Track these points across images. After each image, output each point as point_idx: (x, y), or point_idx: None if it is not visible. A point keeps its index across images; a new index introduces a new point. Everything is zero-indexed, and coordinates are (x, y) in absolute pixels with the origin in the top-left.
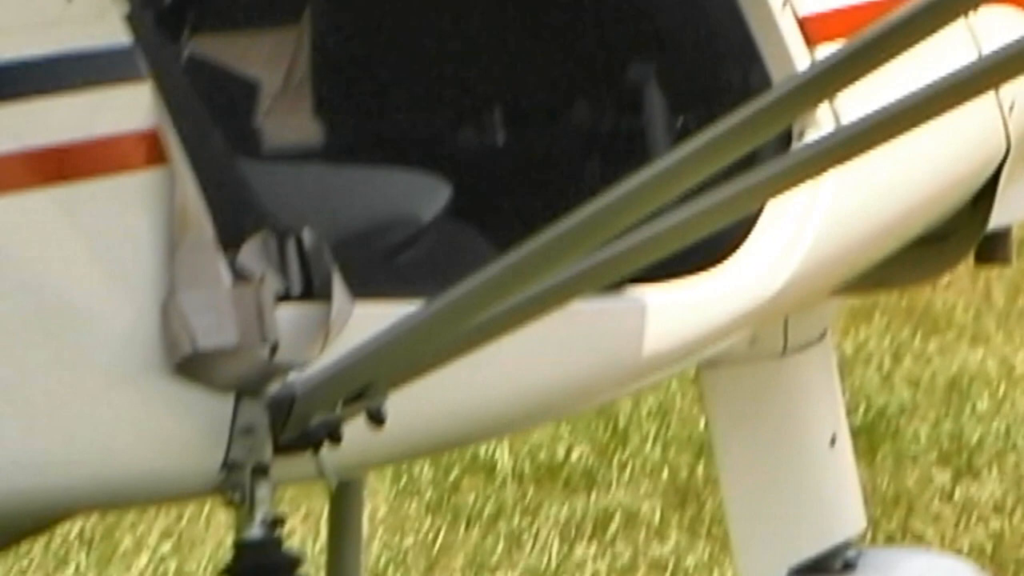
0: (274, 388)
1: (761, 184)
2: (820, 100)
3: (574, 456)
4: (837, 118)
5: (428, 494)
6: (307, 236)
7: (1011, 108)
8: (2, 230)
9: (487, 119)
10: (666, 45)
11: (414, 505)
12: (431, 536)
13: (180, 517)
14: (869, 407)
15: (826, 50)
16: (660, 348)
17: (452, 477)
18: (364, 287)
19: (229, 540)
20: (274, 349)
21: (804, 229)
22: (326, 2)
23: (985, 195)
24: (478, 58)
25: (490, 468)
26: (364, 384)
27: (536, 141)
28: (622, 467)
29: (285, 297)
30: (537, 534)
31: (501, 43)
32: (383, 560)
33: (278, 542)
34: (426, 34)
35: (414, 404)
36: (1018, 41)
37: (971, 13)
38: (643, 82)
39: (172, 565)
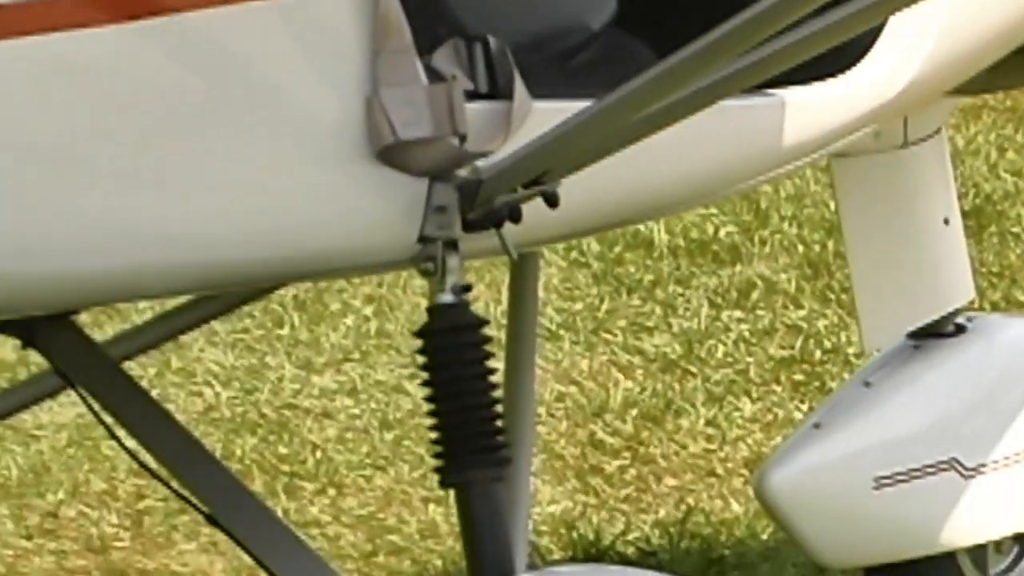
0: (463, 173)
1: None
2: None
3: (722, 233)
4: None
5: (595, 265)
6: (492, 42)
7: None
8: (238, 37)
9: None
10: None
11: (583, 275)
12: (597, 302)
13: (381, 284)
14: (978, 193)
15: None
16: (797, 140)
17: (616, 251)
18: (541, 87)
19: (423, 304)
20: (463, 139)
21: (922, 39)
22: None
23: None
24: None
25: (649, 243)
26: (541, 171)
27: None
28: (763, 243)
29: (473, 95)
30: (689, 301)
31: None
32: (556, 322)
33: (466, 305)
34: None
35: (584, 189)
36: None
37: None
38: None
39: (374, 325)
